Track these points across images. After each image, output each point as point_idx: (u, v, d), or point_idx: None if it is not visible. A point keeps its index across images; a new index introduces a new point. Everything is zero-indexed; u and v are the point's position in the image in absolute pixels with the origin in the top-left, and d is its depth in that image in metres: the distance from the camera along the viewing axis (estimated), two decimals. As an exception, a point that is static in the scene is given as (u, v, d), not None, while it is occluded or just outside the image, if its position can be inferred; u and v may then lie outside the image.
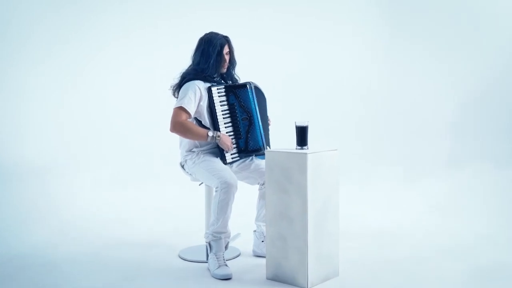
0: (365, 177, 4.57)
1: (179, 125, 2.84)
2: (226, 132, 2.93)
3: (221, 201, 2.76)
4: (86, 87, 4.61)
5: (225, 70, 3.00)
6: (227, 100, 2.94)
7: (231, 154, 2.95)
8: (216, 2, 4.70)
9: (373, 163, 4.69)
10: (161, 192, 4.45)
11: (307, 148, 2.68)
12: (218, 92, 2.91)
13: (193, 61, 2.99)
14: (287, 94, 4.70)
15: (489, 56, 4.67)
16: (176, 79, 3.00)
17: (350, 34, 4.83)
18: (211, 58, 2.90)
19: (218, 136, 2.86)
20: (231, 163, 2.97)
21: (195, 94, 2.86)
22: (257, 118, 2.96)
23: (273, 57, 4.72)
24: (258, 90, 3.01)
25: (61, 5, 4.48)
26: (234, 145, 2.96)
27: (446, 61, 4.75)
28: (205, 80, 2.93)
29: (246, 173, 3.05)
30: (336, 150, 2.73)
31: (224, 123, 2.92)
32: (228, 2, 4.70)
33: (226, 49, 2.96)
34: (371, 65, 4.84)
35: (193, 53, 3.00)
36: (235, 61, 3.05)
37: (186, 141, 2.99)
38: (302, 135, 2.66)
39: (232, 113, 2.95)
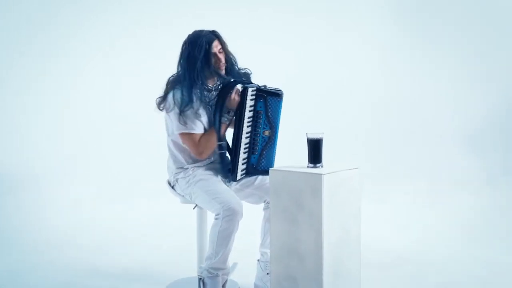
0: (383, 193, 4.12)
1: (202, 148, 2.38)
2: (245, 144, 2.43)
3: (223, 231, 2.26)
4: (85, 89, 4.39)
5: (223, 71, 2.47)
6: (254, 106, 2.42)
7: (241, 171, 2.44)
8: (217, 2, 4.48)
9: (390, 176, 4.25)
10: (149, 209, 4.02)
11: (322, 166, 2.17)
12: (251, 95, 2.39)
13: (179, 70, 2.45)
14: (287, 98, 4.27)
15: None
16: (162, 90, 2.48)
17: (356, 34, 4.58)
18: (198, 61, 2.36)
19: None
20: (239, 180, 2.46)
21: (193, 109, 2.37)
22: (277, 135, 2.48)
23: (273, 59, 4.44)
24: None
25: (57, 7, 4.29)
26: (245, 160, 2.45)
27: (468, 63, 4.44)
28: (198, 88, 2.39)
29: (249, 191, 2.54)
30: (357, 168, 2.22)
31: (246, 133, 2.41)
32: (228, 3, 4.48)
33: (216, 46, 2.42)
34: (380, 68, 4.58)
35: (178, 61, 2.46)
36: (232, 56, 2.52)
37: (176, 156, 2.49)
38: (315, 150, 2.16)
39: (255, 122, 2.43)
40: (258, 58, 4.17)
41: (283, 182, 2.15)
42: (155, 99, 2.46)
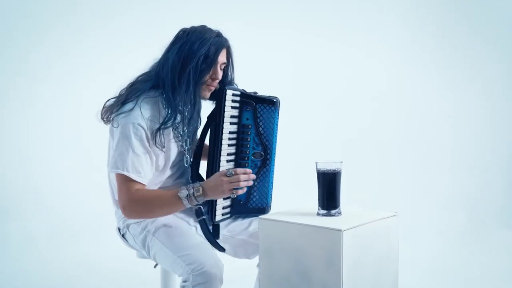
0: (413, 225, 3.36)
1: (133, 204, 1.56)
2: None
3: None
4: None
5: (208, 96, 1.68)
6: (239, 118, 1.69)
7: (223, 208, 1.69)
8: (218, 6, 3.75)
9: (419, 206, 3.51)
10: (101, 259, 3.02)
11: (339, 213, 1.42)
12: (232, 101, 1.67)
13: (157, 67, 1.64)
14: (289, 110, 3.57)
15: None
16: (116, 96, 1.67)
17: (377, 59, 3.87)
18: (194, 61, 1.57)
19: (199, 190, 1.54)
20: (220, 221, 1.71)
21: (142, 141, 1.58)
22: (274, 159, 1.74)
23: (273, 62, 3.74)
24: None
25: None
26: (232, 193, 1.65)
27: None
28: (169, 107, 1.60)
29: (242, 238, 1.76)
30: (394, 215, 1.45)
31: (227, 154, 1.68)
32: (229, 7, 3.77)
33: (222, 57, 1.66)
34: (402, 76, 3.81)
35: (163, 53, 1.65)
36: (231, 78, 1.74)
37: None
38: (330, 188, 1.40)
39: (241, 139, 1.70)
40: (260, 63, 3.66)
41: (278, 238, 1.39)
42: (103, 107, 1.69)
